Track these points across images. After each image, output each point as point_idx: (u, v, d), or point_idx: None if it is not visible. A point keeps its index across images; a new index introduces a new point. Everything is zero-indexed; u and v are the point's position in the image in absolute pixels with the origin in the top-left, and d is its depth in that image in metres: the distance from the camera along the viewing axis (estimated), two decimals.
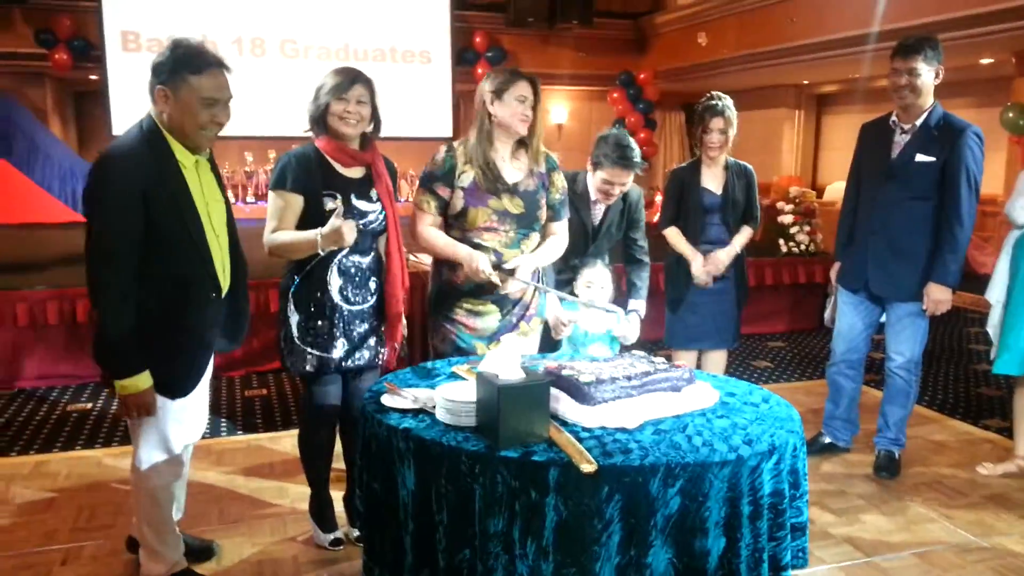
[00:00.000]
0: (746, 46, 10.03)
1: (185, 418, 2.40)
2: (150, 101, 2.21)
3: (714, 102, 3.65)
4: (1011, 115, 7.41)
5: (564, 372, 2.04)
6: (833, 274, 3.70)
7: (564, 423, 1.89)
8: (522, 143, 2.75)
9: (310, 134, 2.64)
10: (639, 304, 3.33)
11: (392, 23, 10.59)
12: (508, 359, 1.85)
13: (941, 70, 3.24)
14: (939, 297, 3.27)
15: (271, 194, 2.60)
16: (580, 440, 1.79)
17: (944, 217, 3.23)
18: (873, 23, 7.92)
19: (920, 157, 3.25)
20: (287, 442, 3.85)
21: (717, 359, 3.92)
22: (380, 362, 2.77)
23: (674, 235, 3.80)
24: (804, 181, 11.78)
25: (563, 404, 1.94)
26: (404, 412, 1.98)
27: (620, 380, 1.98)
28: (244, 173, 10.13)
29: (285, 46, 10.22)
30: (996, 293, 3.44)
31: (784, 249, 6.34)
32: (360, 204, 2.61)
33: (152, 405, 2.25)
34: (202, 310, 2.32)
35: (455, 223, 2.72)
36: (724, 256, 3.73)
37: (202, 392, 2.49)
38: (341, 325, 2.64)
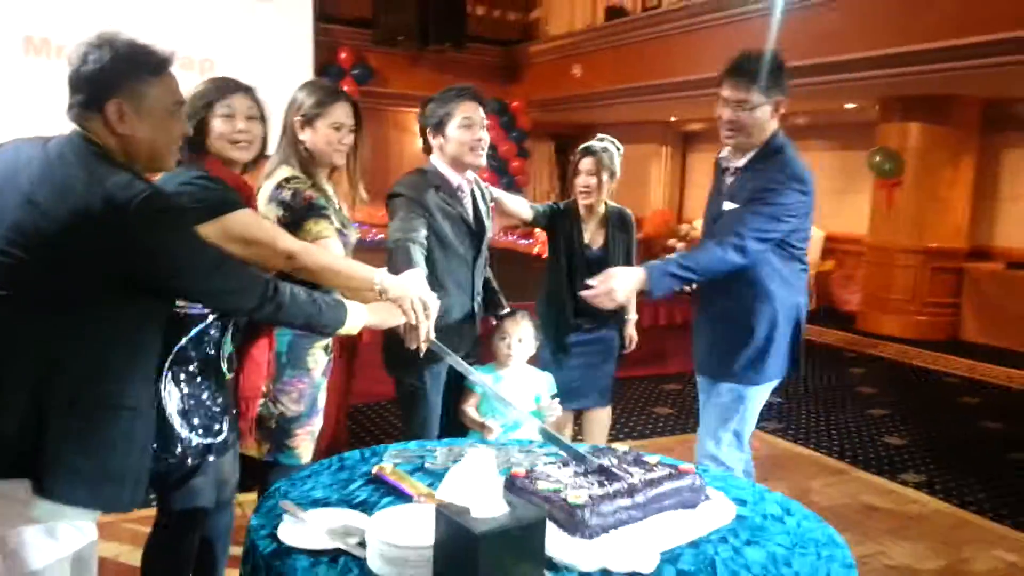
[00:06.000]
0: (620, 80, 9.96)
1: None
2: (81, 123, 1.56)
3: (591, 142, 3.13)
4: (877, 159, 7.62)
5: (541, 485, 1.48)
6: None
7: (550, 565, 1.33)
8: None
9: None
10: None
11: (250, 34, 9.68)
12: (481, 480, 1.27)
13: (784, 103, 2.42)
14: (615, 286, 2.30)
15: (238, 215, 1.91)
16: None
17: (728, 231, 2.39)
18: None
19: (728, 205, 2.48)
20: None
21: (601, 419, 3.32)
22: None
23: None
24: (672, 215, 11.89)
25: (547, 536, 1.38)
26: (315, 555, 1.35)
27: (619, 497, 1.45)
28: None
29: None
30: None
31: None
32: None
33: None
34: None
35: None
36: (634, 332, 3.31)
37: None
38: (222, 392, 2.02)
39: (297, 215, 2.15)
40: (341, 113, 2.28)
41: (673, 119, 12.00)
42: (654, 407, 5.20)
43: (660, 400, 5.38)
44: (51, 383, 1.45)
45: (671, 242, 6.37)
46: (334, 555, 1.35)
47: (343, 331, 1.81)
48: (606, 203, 3.20)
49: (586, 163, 3.08)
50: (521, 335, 2.63)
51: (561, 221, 3.16)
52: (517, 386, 2.61)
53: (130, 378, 1.56)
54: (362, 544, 1.35)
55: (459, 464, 1.29)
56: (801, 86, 7.78)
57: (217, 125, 1.98)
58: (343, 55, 10.45)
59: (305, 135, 2.28)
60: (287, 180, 2.21)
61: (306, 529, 1.41)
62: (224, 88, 2.02)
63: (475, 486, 1.25)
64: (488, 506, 1.23)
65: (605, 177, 3.08)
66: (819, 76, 7.53)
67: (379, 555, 1.28)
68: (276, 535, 1.40)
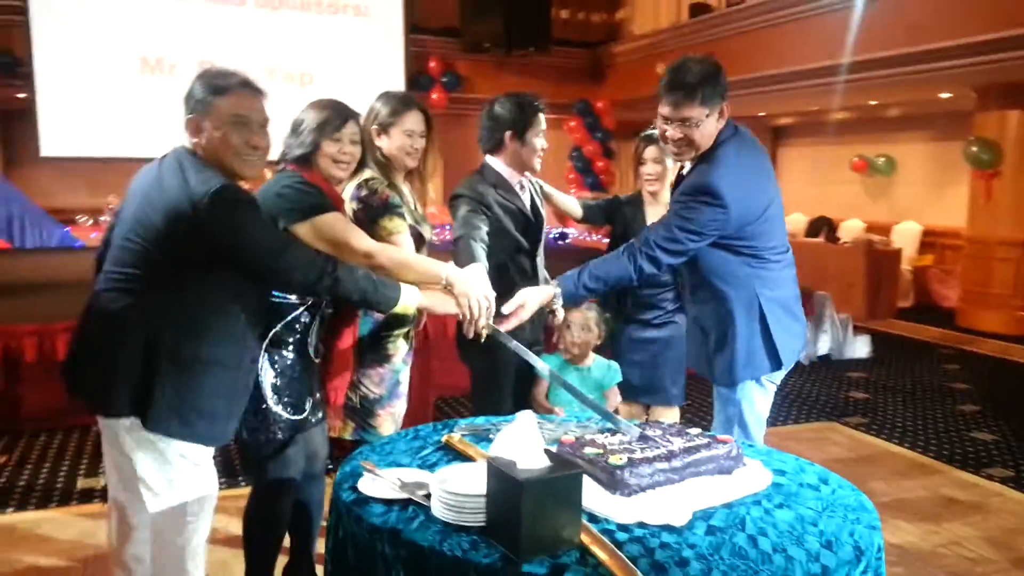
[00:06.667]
0: None
1: None
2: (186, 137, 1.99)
3: (650, 131, 3.05)
4: (974, 149, 7.36)
5: (587, 450, 1.65)
6: None
7: (592, 517, 1.51)
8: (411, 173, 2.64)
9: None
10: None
11: (346, 48, 10.17)
12: (527, 439, 1.46)
13: (726, 106, 2.29)
14: (528, 300, 2.31)
15: (327, 217, 2.17)
16: (618, 544, 1.41)
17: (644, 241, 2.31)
18: (832, 56, 7.85)
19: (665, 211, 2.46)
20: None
21: (666, 417, 3.18)
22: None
23: None
24: None
25: (589, 493, 1.55)
26: (388, 503, 1.57)
27: (658, 461, 1.61)
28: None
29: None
30: None
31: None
32: None
33: None
34: None
35: None
36: None
37: None
38: (310, 375, 2.31)
39: (374, 212, 2.40)
40: (413, 121, 2.52)
41: (761, 114, 11.83)
42: None
43: None
44: (159, 341, 1.84)
45: None
46: (404, 504, 1.56)
47: (398, 309, 2.10)
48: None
49: (651, 151, 3.10)
50: (587, 324, 2.78)
51: (623, 212, 3.22)
52: (582, 375, 2.77)
53: (220, 340, 1.92)
54: (428, 496, 1.56)
55: (507, 427, 1.48)
56: (893, 76, 7.67)
57: (327, 147, 2.25)
58: (432, 64, 10.82)
59: (381, 141, 2.53)
60: (366, 181, 2.46)
61: (382, 483, 1.63)
62: (339, 116, 2.28)
63: (521, 444, 1.44)
64: (532, 460, 1.41)
65: (670, 164, 3.06)
66: (912, 65, 7.33)
67: (441, 503, 1.48)
68: (357, 487, 1.63)
